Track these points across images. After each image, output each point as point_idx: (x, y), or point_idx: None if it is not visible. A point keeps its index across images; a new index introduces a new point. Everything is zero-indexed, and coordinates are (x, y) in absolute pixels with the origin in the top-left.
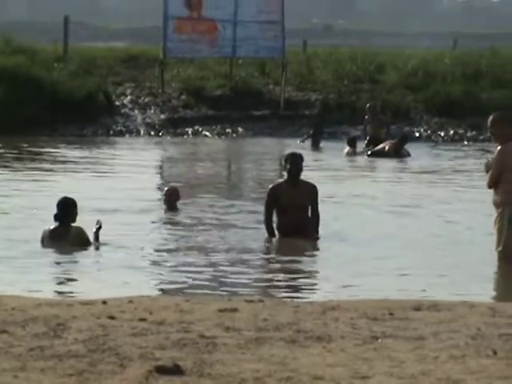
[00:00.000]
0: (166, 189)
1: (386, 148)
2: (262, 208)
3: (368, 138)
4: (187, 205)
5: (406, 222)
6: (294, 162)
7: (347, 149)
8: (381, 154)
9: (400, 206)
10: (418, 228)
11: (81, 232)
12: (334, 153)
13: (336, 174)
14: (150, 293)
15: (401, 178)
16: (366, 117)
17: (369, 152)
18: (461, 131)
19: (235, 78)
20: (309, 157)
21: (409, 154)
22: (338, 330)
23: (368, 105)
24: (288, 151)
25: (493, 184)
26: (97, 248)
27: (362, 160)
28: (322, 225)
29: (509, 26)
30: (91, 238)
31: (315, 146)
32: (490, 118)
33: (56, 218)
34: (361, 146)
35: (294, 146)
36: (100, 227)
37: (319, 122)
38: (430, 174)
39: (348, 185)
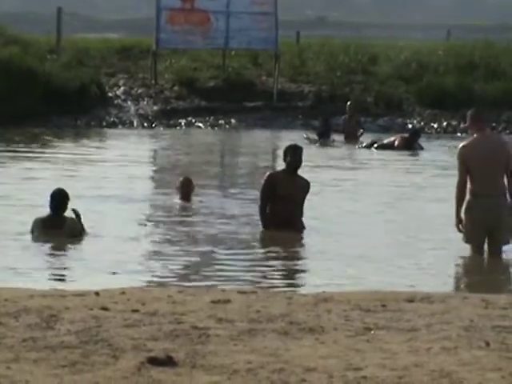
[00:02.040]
0: (180, 179)
1: (396, 143)
2: (252, 197)
3: (344, 135)
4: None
5: (400, 215)
6: (295, 155)
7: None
8: (388, 148)
9: (396, 199)
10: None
11: (75, 223)
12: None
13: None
14: (143, 284)
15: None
16: (345, 116)
17: (375, 145)
18: (454, 123)
19: (228, 69)
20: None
21: (421, 148)
22: (330, 322)
23: (349, 102)
24: (288, 143)
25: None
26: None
27: (369, 152)
28: (319, 216)
29: (502, 18)
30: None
31: (325, 140)
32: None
33: (52, 208)
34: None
35: (290, 138)
36: (78, 215)
37: (327, 118)
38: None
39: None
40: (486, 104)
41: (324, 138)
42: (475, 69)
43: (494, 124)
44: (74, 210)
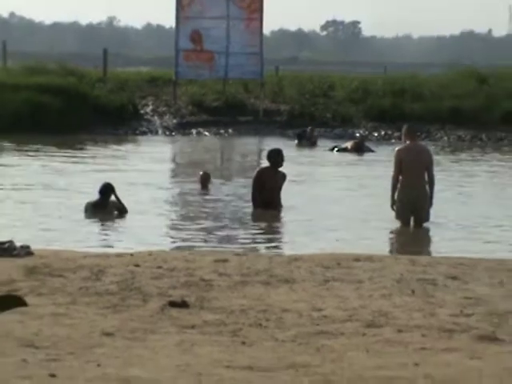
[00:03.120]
0: (200, 173)
1: (349, 147)
2: (246, 185)
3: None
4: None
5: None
6: (278, 157)
7: (296, 141)
8: (344, 150)
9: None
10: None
11: (117, 204)
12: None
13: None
14: (165, 248)
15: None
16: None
17: (336, 149)
18: (389, 132)
19: (227, 93)
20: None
21: (372, 151)
22: (300, 275)
23: (309, 128)
24: (272, 147)
25: (395, 176)
26: (124, 211)
27: (332, 155)
28: (299, 200)
29: (426, 57)
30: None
31: (312, 144)
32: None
33: (100, 194)
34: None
35: (271, 143)
36: (118, 199)
37: (311, 128)
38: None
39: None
40: (412, 119)
41: (308, 142)
42: (405, 93)
43: (418, 133)
44: (116, 197)
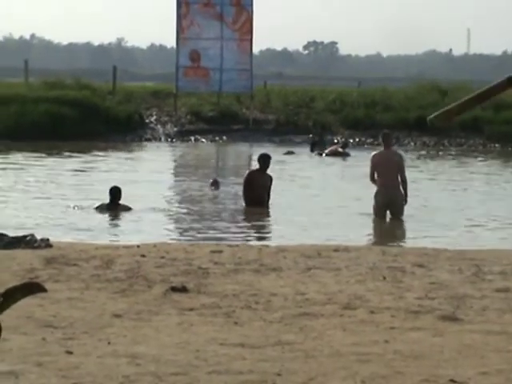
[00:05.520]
0: (211, 180)
1: (339, 149)
2: (238, 185)
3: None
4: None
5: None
6: (265, 161)
7: (310, 149)
8: (332, 154)
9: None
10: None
11: (125, 206)
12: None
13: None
14: (167, 240)
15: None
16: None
17: (326, 151)
18: (363, 139)
19: (221, 105)
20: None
21: (349, 155)
22: (286, 264)
23: (320, 136)
24: (260, 152)
25: (371, 177)
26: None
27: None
28: (283, 199)
29: (395, 72)
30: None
31: (320, 152)
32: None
33: (110, 197)
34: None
35: (260, 148)
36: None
37: (320, 136)
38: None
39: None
40: (383, 127)
41: (319, 147)
42: (376, 105)
43: (393, 140)
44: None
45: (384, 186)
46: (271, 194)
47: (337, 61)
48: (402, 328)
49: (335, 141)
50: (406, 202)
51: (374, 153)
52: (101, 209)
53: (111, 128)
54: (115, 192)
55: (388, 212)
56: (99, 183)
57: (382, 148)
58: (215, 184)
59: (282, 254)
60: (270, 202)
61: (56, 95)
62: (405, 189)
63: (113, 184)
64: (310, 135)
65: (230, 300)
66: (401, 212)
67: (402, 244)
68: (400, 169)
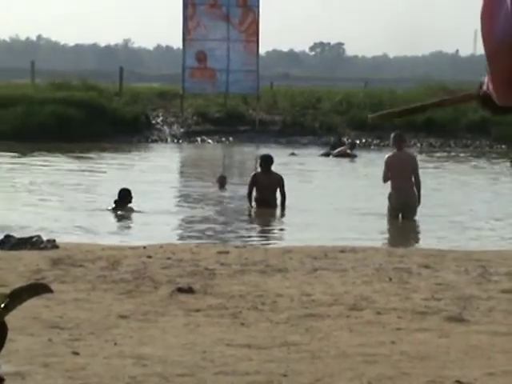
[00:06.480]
0: (218, 176)
1: (348, 151)
2: (244, 186)
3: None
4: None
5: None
6: (266, 162)
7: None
8: (340, 155)
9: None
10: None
11: (132, 208)
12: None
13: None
14: (173, 241)
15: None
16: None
17: (334, 153)
18: (369, 140)
19: (228, 106)
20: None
21: (356, 156)
22: (292, 265)
23: (340, 138)
24: (261, 153)
25: (384, 179)
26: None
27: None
28: (290, 200)
29: (401, 73)
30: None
31: (327, 153)
32: (393, 135)
33: (118, 198)
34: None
35: (267, 150)
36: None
37: (339, 138)
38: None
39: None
40: (390, 128)
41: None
42: (383, 105)
43: (405, 141)
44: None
45: (397, 189)
46: (286, 194)
47: (343, 62)
48: (408, 329)
49: (344, 140)
50: (419, 203)
51: (388, 155)
52: (108, 210)
53: (118, 129)
54: (124, 194)
55: (400, 214)
56: (105, 184)
57: (394, 150)
58: (222, 180)
59: (288, 255)
60: (287, 202)
61: (62, 96)
62: (418, 190)
63: (120, 185)
64: (332, 138)
65: (236, 301)
66: (413, 214)
67: (409, 245)
68: (413, 170)
